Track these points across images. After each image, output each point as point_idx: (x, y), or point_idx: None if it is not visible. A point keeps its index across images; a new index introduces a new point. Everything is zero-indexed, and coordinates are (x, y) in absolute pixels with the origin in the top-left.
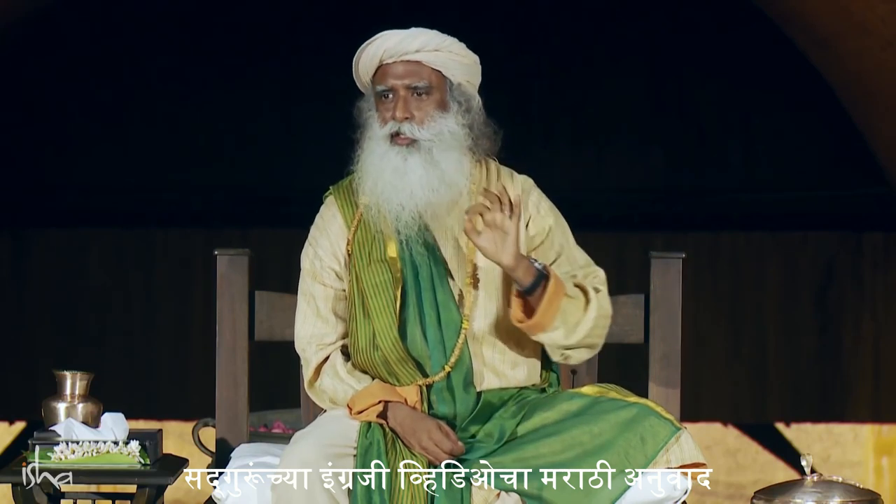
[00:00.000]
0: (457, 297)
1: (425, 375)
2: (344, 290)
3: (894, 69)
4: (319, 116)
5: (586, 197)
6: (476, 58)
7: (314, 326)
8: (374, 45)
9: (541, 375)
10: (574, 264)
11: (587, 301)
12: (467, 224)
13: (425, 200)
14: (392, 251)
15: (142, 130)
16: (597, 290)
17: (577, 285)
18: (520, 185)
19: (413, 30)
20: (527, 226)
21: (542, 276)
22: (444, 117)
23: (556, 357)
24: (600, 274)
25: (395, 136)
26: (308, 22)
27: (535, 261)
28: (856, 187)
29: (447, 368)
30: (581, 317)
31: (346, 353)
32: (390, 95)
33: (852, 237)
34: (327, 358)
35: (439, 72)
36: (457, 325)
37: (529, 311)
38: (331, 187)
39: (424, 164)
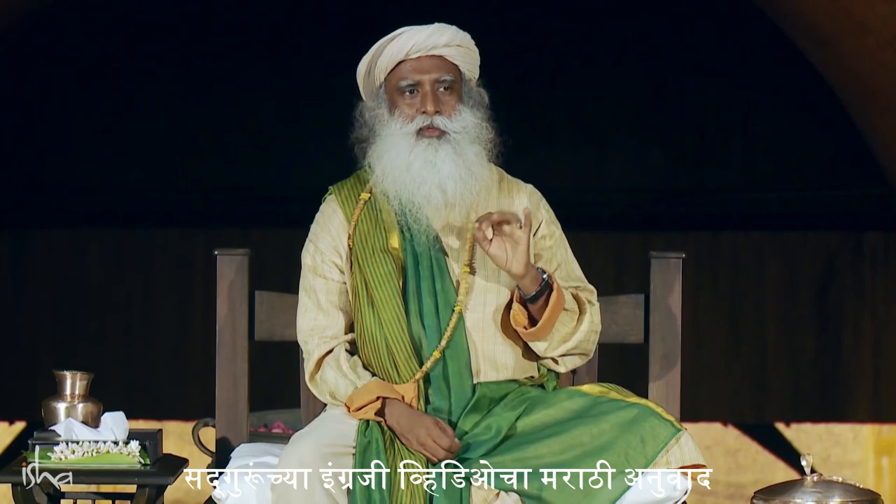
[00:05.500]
0: (455, 286)
1: (423, 365)
2: (345, 284)
3: (894, 69)
4: (319, 116)
5: (586, 197)
6: (478, 50)
7: (315, 319)
8: (402, 40)
9: (538, 369)
10: (570, 277)
11: (580, 314)
12: (478, 233)
13: (453, 190)
14: (394, 242)
15: (142, 130)
16: (590, 304)
17: (574, 297)
18: (526, 194)
19: (437, 25)
20: (537, 230)
21: (547, 286)
22: (466, 111)
23: (547, 362)
24: (593, 290)
25: (422, 130)
26: (308, 22)
27: (542, 271)
28: (856, 187)
29: (436, 354)
30: (571, 331)
31: (349, 350)
32: (416, 91)
33: (852, 237)
34: (330, 351)
35: (456, 66)
36: (452, 309)
37: (531, 318)
38: (330, 187)
39: (454, 155)
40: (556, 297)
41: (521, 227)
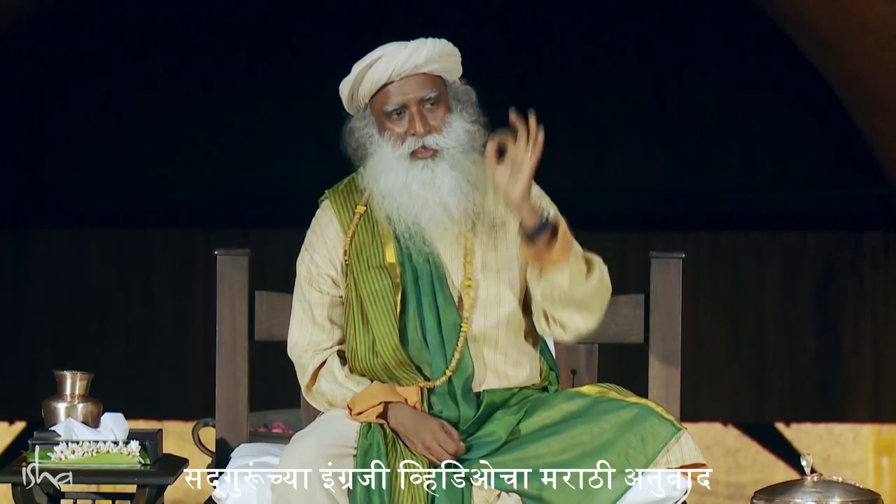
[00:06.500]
0: (456, 301)
1: (427, 379)
2: (340, 297)
3: (894, 69)
4: (319, 117)
5: (586, 197)
6: (457, 50)
7: (311, 334)
8: (382, 65)
9: (541, 374)
10: None
11: (590, 269)
12: (489, 149)
13: (456, 205)
14: (391, 256)
15: (142, 130)
16: (599, 264)
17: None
18: None
19: (413, 44)
20: None
21: (546, 225)
22: (456, 120)
23: (545, 328)
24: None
25: (415, 152)
26: (308, 22)
27: (546, 211)
28: (856, 187)
29: (448, 373)
30: (585, 277)
31: (342, 357)
32: (403, 112)
33: (852, 237)
34: (324, 362)
35: (439, 76)
36: (457, 327)
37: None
38: (326, 191)
39: (451, 170)
40: (564, 233)
41: (530, 156)
